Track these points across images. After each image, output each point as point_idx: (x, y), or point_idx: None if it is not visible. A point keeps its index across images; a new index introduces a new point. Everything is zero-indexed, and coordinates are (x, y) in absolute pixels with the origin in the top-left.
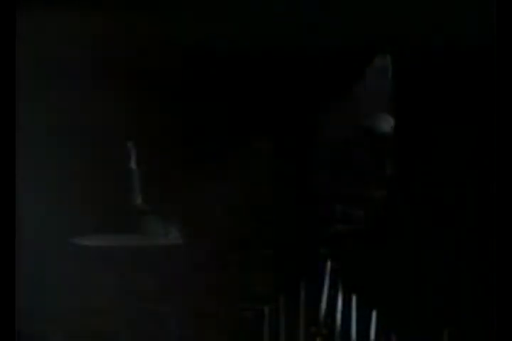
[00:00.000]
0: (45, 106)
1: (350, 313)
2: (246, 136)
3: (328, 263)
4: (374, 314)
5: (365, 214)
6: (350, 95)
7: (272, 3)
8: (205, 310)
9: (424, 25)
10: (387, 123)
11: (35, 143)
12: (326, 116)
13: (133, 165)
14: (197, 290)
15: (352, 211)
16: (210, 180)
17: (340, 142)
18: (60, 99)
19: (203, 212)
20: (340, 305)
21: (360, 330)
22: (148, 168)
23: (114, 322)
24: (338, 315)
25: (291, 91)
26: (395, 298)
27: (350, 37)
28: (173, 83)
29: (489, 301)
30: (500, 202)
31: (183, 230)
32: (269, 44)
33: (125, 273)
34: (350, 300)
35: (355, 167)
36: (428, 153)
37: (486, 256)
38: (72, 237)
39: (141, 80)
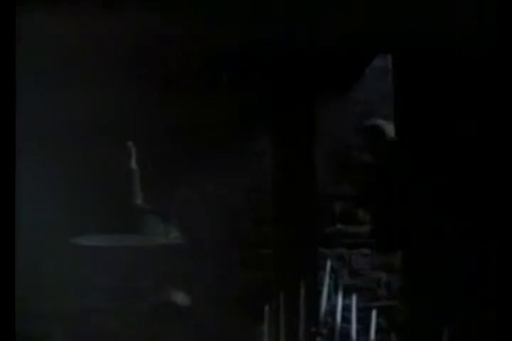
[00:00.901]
0: (45, 106)
1: (350, 313)
2: (246, 135)
3: (328, 263)
4: (374, 314)
5: (365, 213)
6: (350, 95)
7: (272, 3)
8: (204, 310)
9: (425, 25)
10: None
11: (35, 143)
12: (326, 116)
13: (133, 165)
14: (197, 289)
15: (352, 211)
16: (210, 180)
17: (340, 142)
18: (59, 98)
19: (203, 211)
20: (340, 305)
21: (360, 330)
22: (148, 167)
23: (114, 322)
24: (338, 315)
25: (291, 91)
26: (395, 298)
27: (350, 37)
28: (172, 83)
29: (489, 301)
30: (501, 204)
31: (183, 230)
32: (269, 44)
33: (125, 273)
34: (350, 300)
35: (355, 166)
36: (428, 153)
37: (486, 255)
38: (72, 237)
39: (141, 80)
